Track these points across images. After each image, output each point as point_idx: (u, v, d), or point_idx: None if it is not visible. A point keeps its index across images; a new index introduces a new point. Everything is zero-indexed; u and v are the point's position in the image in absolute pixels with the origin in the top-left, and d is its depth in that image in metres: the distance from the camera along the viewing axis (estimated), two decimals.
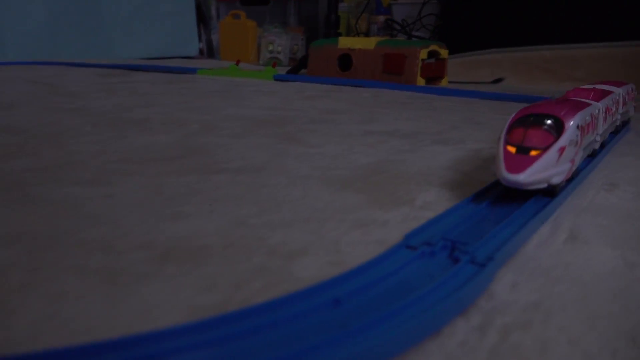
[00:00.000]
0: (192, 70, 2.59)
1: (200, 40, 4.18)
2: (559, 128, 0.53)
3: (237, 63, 2.57)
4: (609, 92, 0.84)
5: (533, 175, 0.51)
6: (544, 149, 0.52)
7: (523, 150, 0.52)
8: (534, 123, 0.54)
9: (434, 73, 2.14)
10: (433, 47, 2.13)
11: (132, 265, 0.45)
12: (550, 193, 0.56)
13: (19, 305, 0.38)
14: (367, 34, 3.29)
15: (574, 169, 0.60)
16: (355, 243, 0.51)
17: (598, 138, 0.74)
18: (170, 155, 0.88)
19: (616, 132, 0.97)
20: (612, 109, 0.82)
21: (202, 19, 4.18)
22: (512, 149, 0.52)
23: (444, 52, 2.19)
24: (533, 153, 0.51)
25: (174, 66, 2.80)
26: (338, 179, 0.74)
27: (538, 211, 0.54)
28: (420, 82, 2.06)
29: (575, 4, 2.31)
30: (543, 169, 0.52)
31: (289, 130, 1.12)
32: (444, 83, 2.20)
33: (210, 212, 0.59)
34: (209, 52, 4.17)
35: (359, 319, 0.35)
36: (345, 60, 2.26)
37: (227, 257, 0.47)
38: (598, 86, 0.90)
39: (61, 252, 0.47)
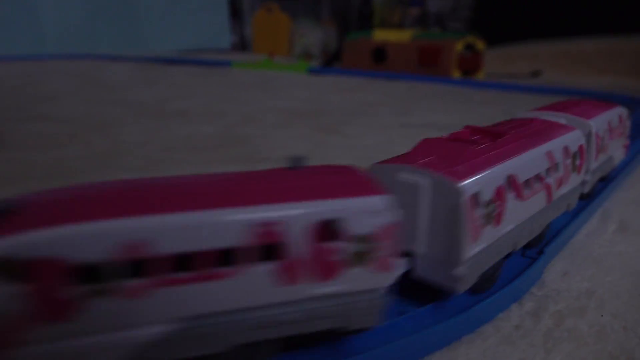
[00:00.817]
0: (227, 64, 2.63)
1: (233, 33, 4.22)
2: None
3: (271, 56, 2.59)
4: (536, 141, 0.41)
5: None
6: None
7: None
8: None
9: (470, 66, 2.12)
10: (469, 39, 2.11)
11: None
12: None
13: None
14: (400, 27, 3.27)
15: None
16: None
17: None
18: (213, 145, 0.90)
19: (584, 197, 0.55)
20: (533, 186, 0.40)
21: (235, 13, 4.22)
22: None
23: (480, 45, 2.16)
24: None
25: (209, 59, 2.84)
26: None
27: (587, 203, 0.54)
28: (456, 74, 2.04)
29: None
30: None
31: (327, 122, 1.13)
32: (480, 76, 2.17)
33: None
34: (242, 45, 4.21)
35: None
36: (380, 53, 2.25)
37: None
38: (530, 115, 0.55)
39: None
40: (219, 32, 4.25)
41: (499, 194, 0.35)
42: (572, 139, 0.45)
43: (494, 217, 0.35)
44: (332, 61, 2.56)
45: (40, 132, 1.00)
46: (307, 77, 2.17)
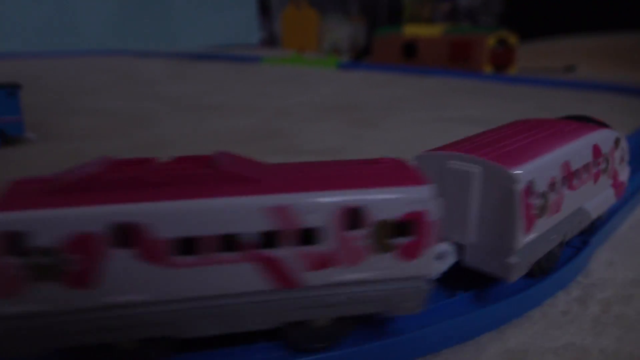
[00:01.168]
0: (257, 59, 2.65)
1: (262, 29, 4.25)
2: None
3: (300, 52, 2.61)
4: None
5: None
6: None
7: None
8: None
9: (502, 60, 2.10)
10: (501, 33, 2.09)
11: None
12: None
13: None
14: (430, 21, 3.26)
15: None
16: None
17: None
18: (252, 137, 0.92)
19: None
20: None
21: (264, 9, 4.25)
22: None
23: (512, 39, 2.14)
24: None
25: (239, 55, 2.88)
26: None
27: (630, 197, 0.54)
28: (488, 69, 2.02)
29: None
30: None
31: (360, 116, 1.14)
32: (512, 71, 2.15)
33: None
34: (271, 41, 4.24)
35: None
36: (410, 48, 2.25)
37: None
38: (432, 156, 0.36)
39: None
40: (247, 28, 4.29)
41: None
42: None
43: None
44: (361, 56, 2.57)
45: (86, 124, 1.03)
46: (337, 72, 2.18)
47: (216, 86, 1.67)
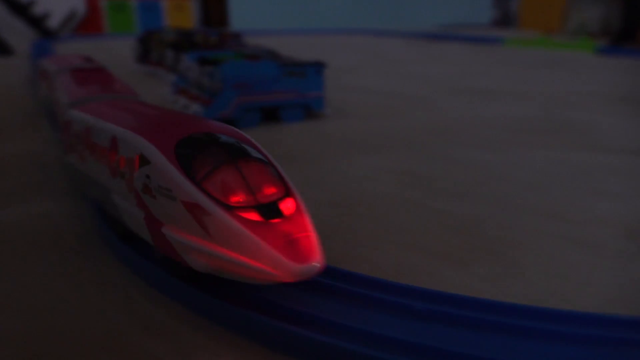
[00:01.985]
0: (496, 40, 2.53)
1: (495, 8, 4.04)
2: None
3: (547, 33, 2.41)
4: None
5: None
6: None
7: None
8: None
9: None
10: None
11: (597, 238, 0.45)
12: None
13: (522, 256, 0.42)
14: None
15: None
16: None
17: None
18: (540, 128, 0.86)
19: None
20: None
21: None
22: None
23: None
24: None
25: (476, 35, 2.78)
26: None
27: None
28: None
29: None
30: None
31: None
32: None
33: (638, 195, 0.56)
34: (504, 20, 4.01)
35: None
36: None
37: None
38: None
39: (512, 211, 0.50)
40: (479, 7, 4.13)
41: None
42: None
43: None
44: (622, 40, 2.27)
45: (363, 101, 1.09)
46: (594, 57, 1.96)
47: (470, 68, 1.63)
